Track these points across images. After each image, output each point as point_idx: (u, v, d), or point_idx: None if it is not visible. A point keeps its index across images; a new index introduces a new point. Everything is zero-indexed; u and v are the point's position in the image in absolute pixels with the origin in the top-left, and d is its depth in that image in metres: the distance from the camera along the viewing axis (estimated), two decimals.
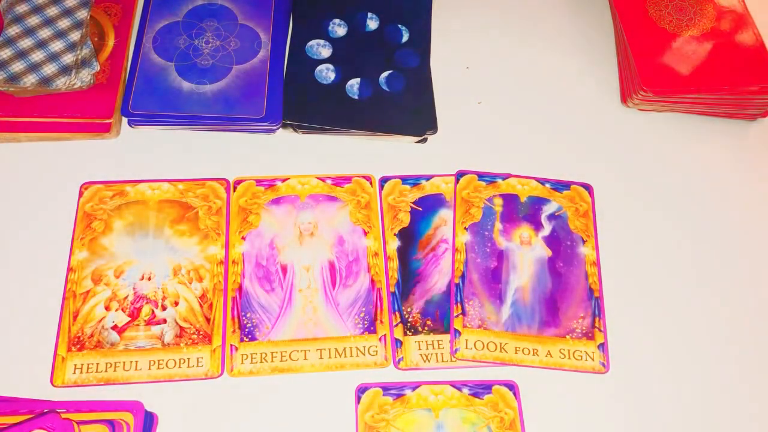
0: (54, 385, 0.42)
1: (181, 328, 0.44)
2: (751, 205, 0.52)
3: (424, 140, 0.53)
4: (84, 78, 0.51)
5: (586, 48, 0.59)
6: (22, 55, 0.51)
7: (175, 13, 0.56)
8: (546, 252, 0.48)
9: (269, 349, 0.44)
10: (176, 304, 0.45)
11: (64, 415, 0.39)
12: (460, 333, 0.45)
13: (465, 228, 0.49)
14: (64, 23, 0.53)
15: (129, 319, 0.44)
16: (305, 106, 0.52)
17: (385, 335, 0.45)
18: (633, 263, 0.49)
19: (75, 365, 0.43)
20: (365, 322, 0.45)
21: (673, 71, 0.54)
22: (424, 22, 0.58)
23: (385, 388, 0.43)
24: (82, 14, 0.54)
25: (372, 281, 0.47)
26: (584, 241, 0.49)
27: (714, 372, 0.46)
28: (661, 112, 0.56)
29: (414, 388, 0.43)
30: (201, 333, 0.44)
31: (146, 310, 0.45)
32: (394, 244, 0.48)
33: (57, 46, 0.52)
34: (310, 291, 0.46)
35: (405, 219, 0.49)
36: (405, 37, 0.56)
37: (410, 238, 0.49)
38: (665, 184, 0.53)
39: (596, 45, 0.59)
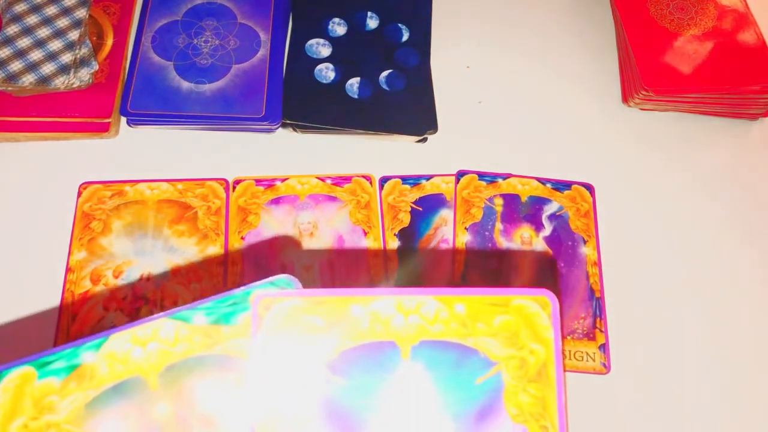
0: None
1: None
2: (753, 205, 0.52)
3: (424, 140, 0.53)
4: (83, 77, 0.51)
5: (587, 47, 0.59)
6: (20, 54, 0.51)
7: (175, 12, 0.55)
8: (547, 252, 0.48)
9: None
10: (175, 304, 0.45)
11: None
12: None
13: (465, 228, 0.49)
14: (62, 22, 0.53)
15: (128, 319, 0.44)
16: (305, 105, 0.52)
17: None
18: (634, 263, 0.49)
19: None
20: None
21: (674, 70, 0.54)
22: (424, 21, 0.58)
23: None
24: (81, 13, 0.53)
25: None
26: (585, 242, 0.49)
27: (716, 373, 0.45)
28: (662, 111, 0.56)
29: None
30: None
31: (145, 310, 0.44)
32: (394, 244, 0.48)
33: (55, 45, 0.51)
34: None
35: (405, 219, 0.49)
36: (405, 36, 0.56)
37: (410, 238, 0.48)
38: (666, 184, 0.53)
39: (597, 44, 0.59)
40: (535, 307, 0.29)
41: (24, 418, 0.28)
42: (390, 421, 0.29)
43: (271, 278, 0.30)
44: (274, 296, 0.30)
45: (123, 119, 0.52)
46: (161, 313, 0.30)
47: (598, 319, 0.46)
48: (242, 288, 0.30)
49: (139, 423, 0.29)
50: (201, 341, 0.30)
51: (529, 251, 0.48)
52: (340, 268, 0.47)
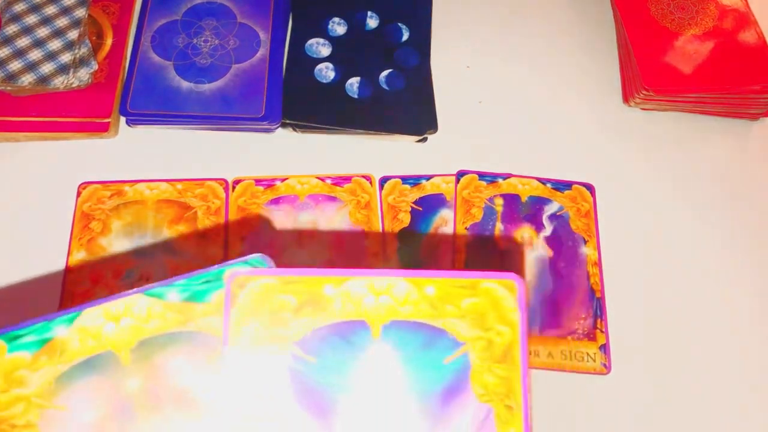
0: None
1: None
2: (753, 205, 0.52)
3: (425, 140, 0.53)
4: (82, 77, 0.51)
5: (588, 47, 0.59)
6: (19, 53, 0.51)
7: (174, 11, 0.55)
8: (547, 252, 0.48)
9: None
10: None
11: None
12: None
13: (466, 228, 0.49)
14: (62, 22, 0.52)
15: None
16: (305, 105, 0.52)
17: None
18: (635, 263, 0.49)
19: None
20: None
21: (675, 70, 0.54)
22: (424, 20, 0.57)
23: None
24: (80, 13, 0.53)
25: None
26: (586, 242, 0.49)
27: (717, 373, 0.45)
28: (663, 111, 0.56)
29: None
30: None
31: None
32: (394, 244, 0.48)
33: (55, 44, 0.51)
34: None
35: (405, 219, 0.49)
36: (405, 36, 0.56)
37: (410, 238, 0.48)
38: (667, 184, 0.52)
39: (597, 44, 0.59)
40: (502, 290, 0.30)
41: None
42: (359, 400, 0.29)
43: (245, 257, 0.30)
44: (247, 274, 0.30)
45: (122, 119, 0.52)
46: (134, 289, 0.30)
47: (598, 320, 0.46)
48: (216, 266, 0.30)
49: (110, 397, 0.29)
50: (174, 318, 0.30)
51: (530, 251, 0.48)
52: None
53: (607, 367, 0.45)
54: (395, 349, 0.29)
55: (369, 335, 0.30)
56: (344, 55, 0.55)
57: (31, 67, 0.50)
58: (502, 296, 0.30)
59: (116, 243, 0.46)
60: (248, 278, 0.30)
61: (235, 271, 0.30)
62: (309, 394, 0.29)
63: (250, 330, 0.29)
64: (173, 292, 0.30)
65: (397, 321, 0.30)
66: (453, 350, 0.30)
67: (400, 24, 0.57)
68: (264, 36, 0.55)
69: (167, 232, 0.47)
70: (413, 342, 0.30)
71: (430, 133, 0.52)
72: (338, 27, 0.56)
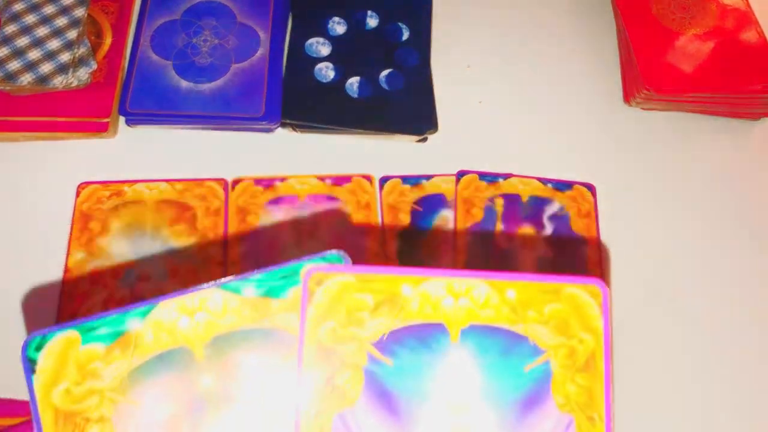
0: None
1: None
2: (754, 205, 0.52)
3: (425, 140, 0.52)
4: (81, 77, 0.51)
5: (588, 46, 0.59)
6: (18, 53, 0.51)
7: (173, 11, 0.55)
8: (548, 253, 0.48)
9: None
10: None
11: None
12: None
13: (466, 228, 0.48)
14: (61, 21, 0.52)
15: None
16: (304, 104, 0.52)
17: None
18: (635, 264, 0.49)
19: None
20: None
21: (676, 70, 0.54)
22: (424, 20, 0.57)
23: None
24: (80, 12, 0.53)
25: None
26: (586, 242, 0.49)
27: (717, 373, 0.45)
28: (663, 111, 0.56)
29: None
30: None
31: None
32: (394, 244, 0.48)
33: (54, 44, 0.51)
34: None
35: (405, 219, 0.49)
36: (405, 36, 0.56)
37: (411, 238, 0.48)
38: (668, 184, 0.52)
39: (598, 43, 0.59)
40: (586, 296, 0.29)
41: (67, 383, 0.28)
42: (436, 406, 0.28)
43: (322, 253, 0.30)
44: (325, 271, 0.29)
45: (122, 119, 0.51)
46: (210, 283, 0.30)
47: None
48: (293, 261, 0.30)
49: (183, 394, 0.29)
50: (249, 314, 0.30)
51: (531, 251, 0.48)
52: None
53: None
54: (474, 355, 0.29)
55: (447, 339, 0.29)
56: (344, 55, 0.54)
57: (30, 66, 0.50)
58: (586, 302, 0.29)
59: (115, 243, 0.46)
60: (325, 275, 0.29)
61: (312, 267, 0.30)
62: (385, 396, 0.28)
63: (326, 329, 0.29)
64: (249, 287, 0.30)
65: (476, 325, 0.29)
66: (534, 357, 0.29)
67: (400, 24, 0.56)
68: (263, 35, 0.54)
69: (167, 232, 0.47)
70: (493, 348, 0.29)
71: (430, 133, 0.52)
72: (338, 26, 0.56)
